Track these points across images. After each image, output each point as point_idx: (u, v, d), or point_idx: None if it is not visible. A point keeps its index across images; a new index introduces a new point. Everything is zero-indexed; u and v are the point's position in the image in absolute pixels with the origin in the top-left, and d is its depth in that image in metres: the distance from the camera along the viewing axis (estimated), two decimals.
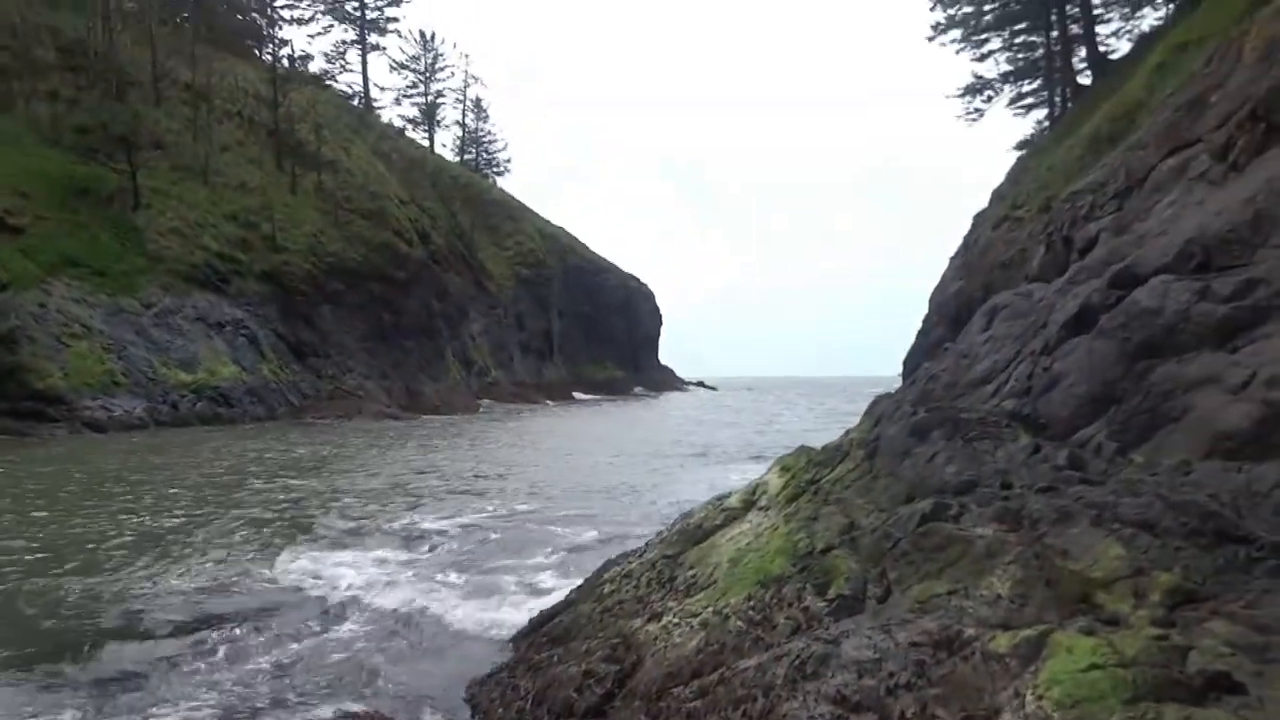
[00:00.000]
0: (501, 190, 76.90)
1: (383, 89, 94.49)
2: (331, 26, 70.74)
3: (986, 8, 34.21)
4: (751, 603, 4.68)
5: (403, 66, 78.23)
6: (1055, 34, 33.27)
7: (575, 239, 79.41)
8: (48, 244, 29.28)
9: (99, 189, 33.56)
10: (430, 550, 9.80)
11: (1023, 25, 34.81)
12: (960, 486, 4.82)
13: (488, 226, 65.74)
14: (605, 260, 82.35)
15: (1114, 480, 4.44)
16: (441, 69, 79.81)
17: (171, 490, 13.88)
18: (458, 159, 79.83)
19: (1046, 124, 34.66)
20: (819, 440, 7.45)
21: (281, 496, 13.48)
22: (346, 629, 6.85)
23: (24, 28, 36.93)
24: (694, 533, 6.23)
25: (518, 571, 8.64)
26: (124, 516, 11.40)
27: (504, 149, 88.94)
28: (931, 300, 24.94)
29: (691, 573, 5.55)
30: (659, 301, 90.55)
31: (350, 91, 70.66)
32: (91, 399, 25.84)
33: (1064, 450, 4.92)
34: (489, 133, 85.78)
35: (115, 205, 33.80)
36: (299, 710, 5.22)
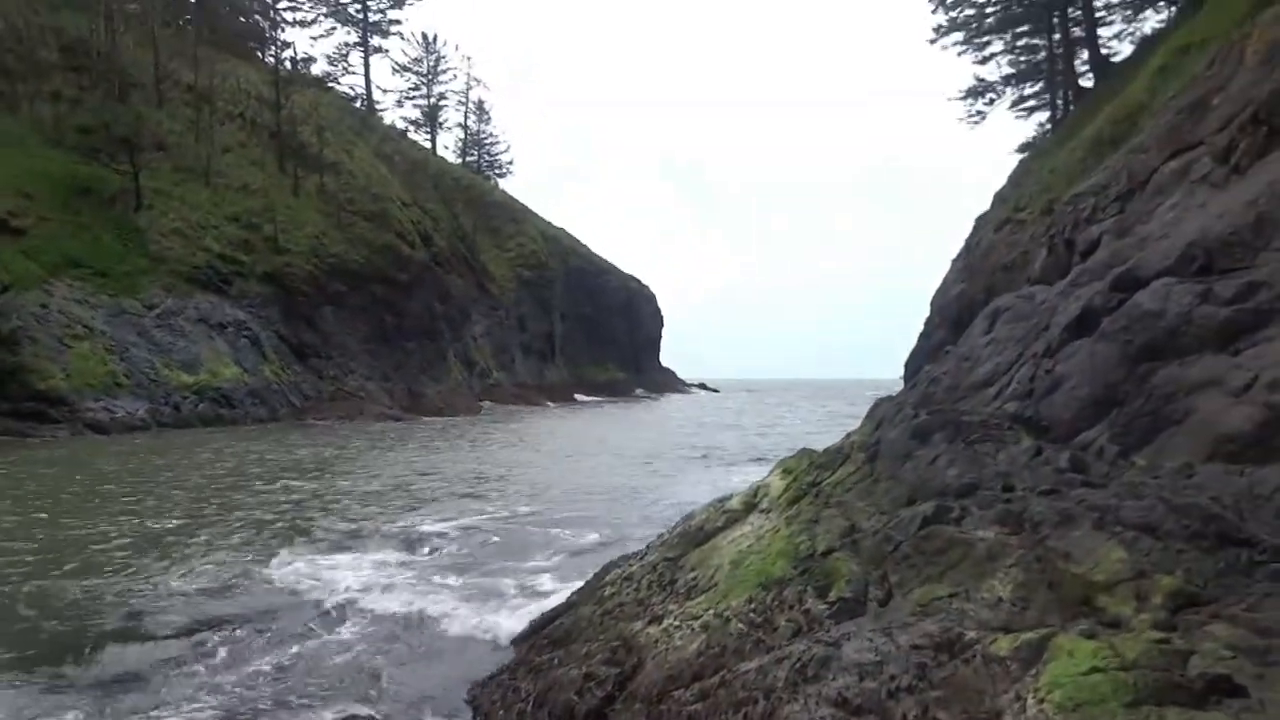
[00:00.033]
0: (503, 192, 76.95)
1: (385, 91, 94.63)
2: (334, 29, 70.85)
3: (988, 11, 34.24)
4: (752, 605, 4.68)
5: (405, 69, 78.37)
6: (1057, 37, 33.31)
7: (577, 240, 79.43)
8: (50, 245, 29.32)
9: (101, 190, 33.61)
10: (431, 553, 9.79)
11: (1025, 28, 34.86)
12: (962, 489, 4.82)
13: (490, 228, 65.75)
14: (607, 262, 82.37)
15: (1116, 483, 4.43)
16: (443, 71, 79.91)
17: (173, 492, 13.89)
18: (460, 161, 79.90)
19: (1048, 126, 34.70)
20: (820, 443, 7.45)
21: (282, 498, 13.49)
22: (347, 631, 6.84)
23: (27, 29, 37.01)
24: (695, 535, 6.22)
25: (518, 574, 8.63)
26: (125, 518, 11.41)
27: (506, 151, 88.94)
28: (933, 302, 24.95)
29: (692, 575, 5.55)
30: (659, 302, 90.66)
31: (352, 94, 70.78)
32: (93, 400, 25.85)
33: (1066, 453, 4.92)
34: (491, 135, 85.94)
35: (117, 206, 33.85)
36: (301, 712, 5.22)
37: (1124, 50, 30.91)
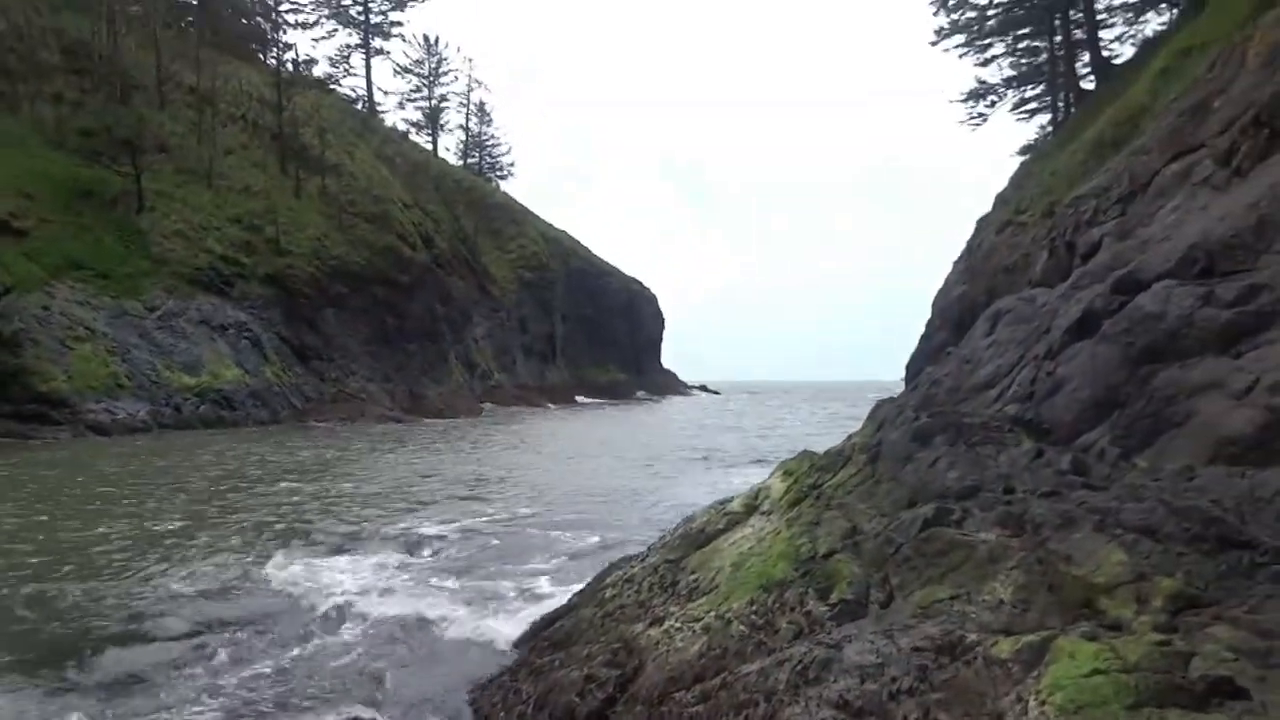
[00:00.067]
0: (505, 194, 77.00)
1: (386, 93, 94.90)
2: (335, 31, 70.90)
3: (989, 13, 34.22)
4: (754, 607, 4.68)
5: (406, 71, 78.40)
6: (1059, 39, 33.28)
7: (578, 242, 79.47)
8: (52, 247, 29.35)
9: (103, 192, 33.65)
10: (432, 555, 9.80)
11: (1026, 30, 34.82)
12: (963, 491, 4.82)
13: (491, 230, 65.79)
14: (608, 263, 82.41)
15: (1117, 485, 4.43)
16: (445, 73, 79.94)
17: (174, 494, 13.90)
18: (461, 163, 79.95)
19: (1050, 129, 34.68)
20: (821, 445, 7.45)
21: (283, 500, 13.49)
22: (347, 634, 6.85)
23: (29, 30, 37.06)
24: (696, 537, 6.23)
25: (518, 577, 8.63)
26: (126, 520, 11.41)
27: (507, 153, 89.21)
28: (934, 304, 24.92)
29: (693, 577, 5.55)
30: (660, 303, 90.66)
31: (354, 95, 70.83)
32: (95, 402, 25.88)
33: (1067, 455, 4.92)
34: (492, 136, 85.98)
35: (119, 208, 33.88)
36: (303, 715, 5.23)
37: (1125, 52, 30.90)
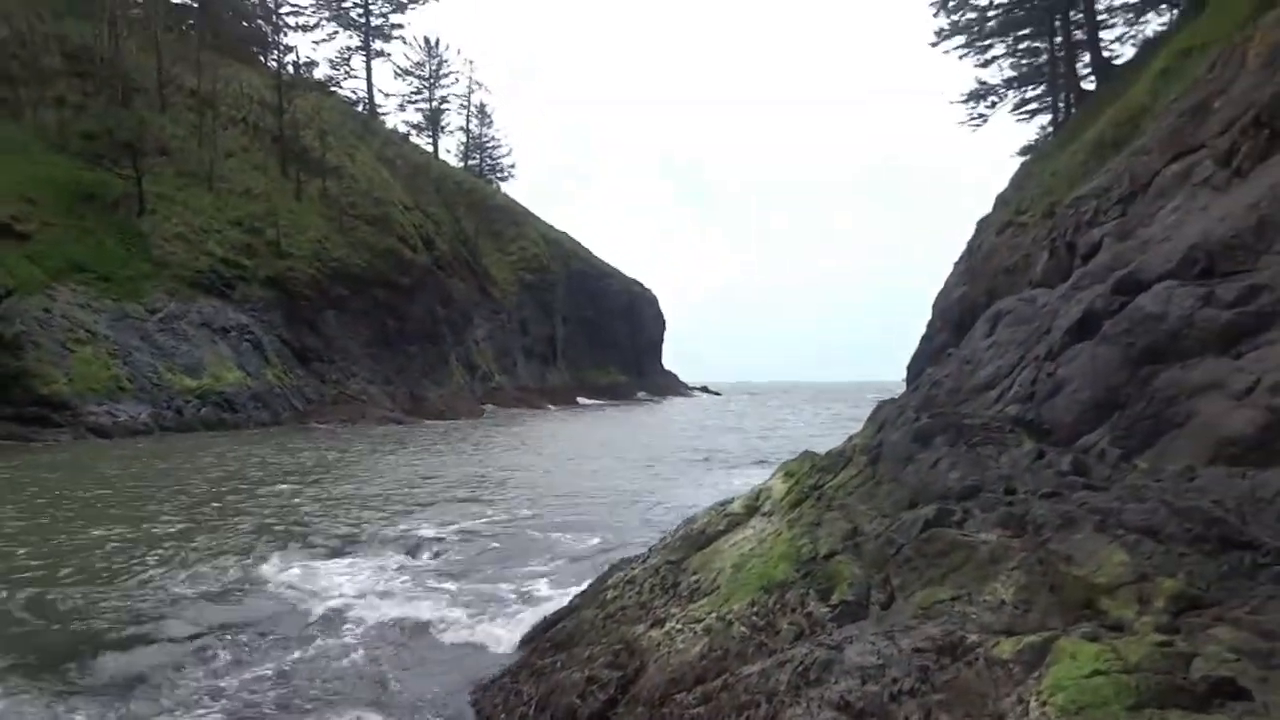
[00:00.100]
0: (505, 195, 77.04)
1: (387, 95, 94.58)
2: (336, 33, 70.98)
3: (990, 14, 34.24)
4: (755, 608, 4.68)
5: (407, 73, 78.48)
6: (1059, 40, 33.30)
7: (579, 244, 79.50)
8: (53, 249, 29.39)
9: (105, 195, 33.69)
10: (432, 557, 9.79)
11: (1026, 31, 34.85)
12: (964, 492, 4.82)
13: (491, 232, 65.82)
14: (608, 265, 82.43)
15: (1118, 486, 4.43)
16: (445, 75, 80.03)
17: (174, 496, 13.90)
18: (462, 165, 80.00)
19: (1050, 129, 34.69)
20: (822, 446, 7.45)
21: (283, 502, 13.50)
22: (347, 636, 6.85)
23: (31, 35, 37.13)
24: (697, 538, 6.23)
25: (518, 579, 8.62)
26: (127, 522, 11.42)
27: (508, 154, 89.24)
28: (935, 305, 24.93)
29: (695, 578, 5.55)
30: (660, 303, 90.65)
31: (355, 98, 70.88)
32: (96, 404, 25.90)
33: (1068, 456, 4.92)
34: (493, 138, 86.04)
35: (121, 211, 33.92)
36: (306, 717, 5.24)
37: (1126, 53, 30.93)
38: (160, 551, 9.60)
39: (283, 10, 64.01)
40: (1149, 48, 25.84)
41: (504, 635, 6.67)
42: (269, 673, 5.95)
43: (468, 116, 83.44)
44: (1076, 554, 3.81)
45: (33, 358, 25.30)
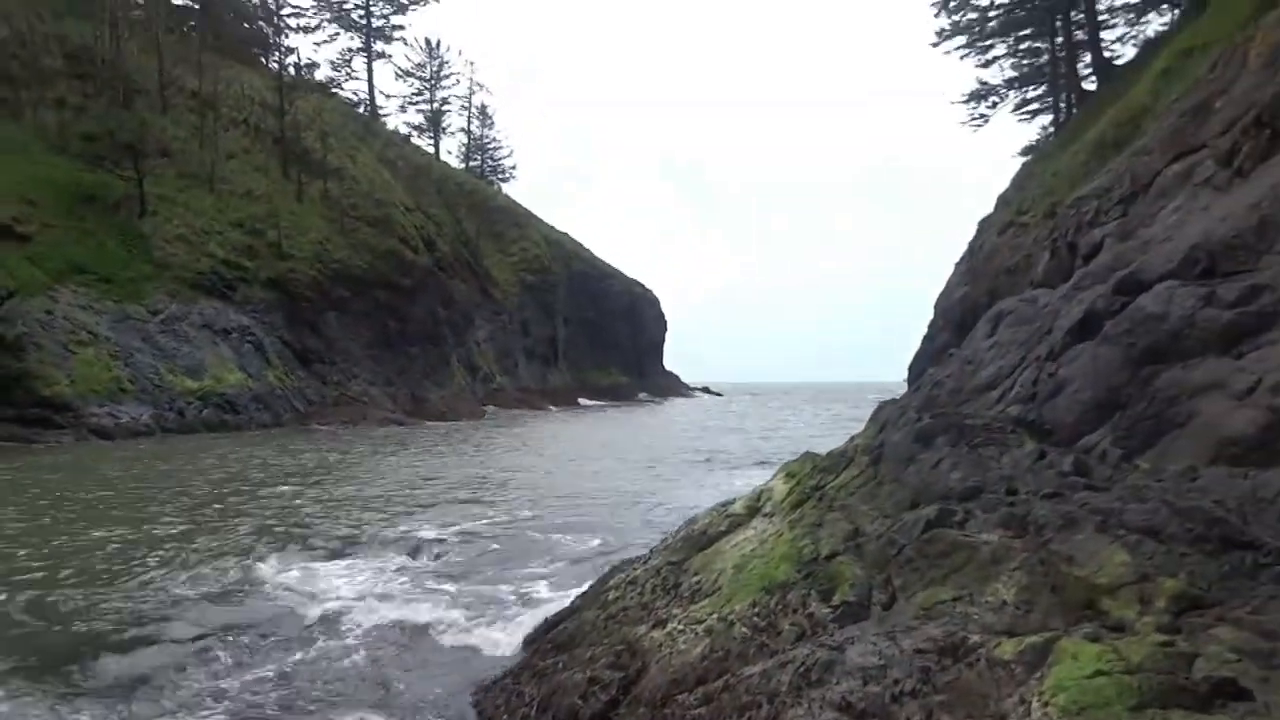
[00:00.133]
0: (506, 197, 77.07)
1: (388, 96, 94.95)
2: (337, 34, 71.04)
3: (991, 14, 34.23)
4: (756, 609, 4.68)
5: (408, 74, 78.53)
6: (1060, 40, 33.30)
7: (580, 244, 79.51)
8: (55, 251, 29.40)
9: (106, 196, 33.70)
10: (434, 559, 9.79)
11: (1027, 31, 34.85)
12: (965, 493, 4.82)
13: (493, 233, 65.86)
14: (610, 266, 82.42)
15: (1119, 486, 4.43)
16: (446, 76, 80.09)
17: (176, 497, 13.91)
18: (463, 166, 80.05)
19: (1051, 129, 34.69)
20: (824, 446, 7.45)
21: (284, 504, 13.50)
22: (348, 638, 6.85)
23: (32, 37, 37.15)
24: (698, 539, 6.23)
25: (519, 581, 8.62)
26: (128, 523, 11.42)
27: (509, 155, 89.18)
28: (936, 305, 24.92)
29: (696, 579, 5.55)
30: (661, 304, 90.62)
31: (356, 99, 70.94)
32: (98, 406, 25.91)
33: (1069, 456, 4.92)
34: (494, 139, 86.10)
35: (122, 212, 33.94)
36: (309, 718, 5.24)
37: (1127, 53, 30.92)
38: (161, 553, 9.61)
39: (284, 12, 64.15)
40: (1150, 48, 25.83)
41: (505, 637, 6.68)
42: (270, 674, 5.96)
43: (469, 118, 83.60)
44: (1078, 554, 3.80)
45: (34, 359, 25.32)
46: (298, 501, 13.71)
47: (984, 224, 25.37)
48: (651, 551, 6.77)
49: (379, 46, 73.00)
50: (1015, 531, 4.18)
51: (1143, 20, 31.05)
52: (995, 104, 37.53)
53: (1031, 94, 37.13)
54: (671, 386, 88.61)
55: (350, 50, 71.72)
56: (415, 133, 77.05)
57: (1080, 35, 32.14)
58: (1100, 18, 31.02)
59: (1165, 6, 29.70)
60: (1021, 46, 35.77)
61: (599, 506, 13.63)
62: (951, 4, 34.48)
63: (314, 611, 7.48)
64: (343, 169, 48.08)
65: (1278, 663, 2.97)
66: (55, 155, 34.11)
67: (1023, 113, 37.87)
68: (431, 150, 75.44)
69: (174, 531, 10.91)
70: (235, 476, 16.96)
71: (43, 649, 6.40)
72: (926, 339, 24.60)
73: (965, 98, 37.54)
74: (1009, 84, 36.92)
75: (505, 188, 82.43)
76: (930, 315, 25.33)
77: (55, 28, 38.72)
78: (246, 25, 62.29)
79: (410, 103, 79.58)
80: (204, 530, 11.00)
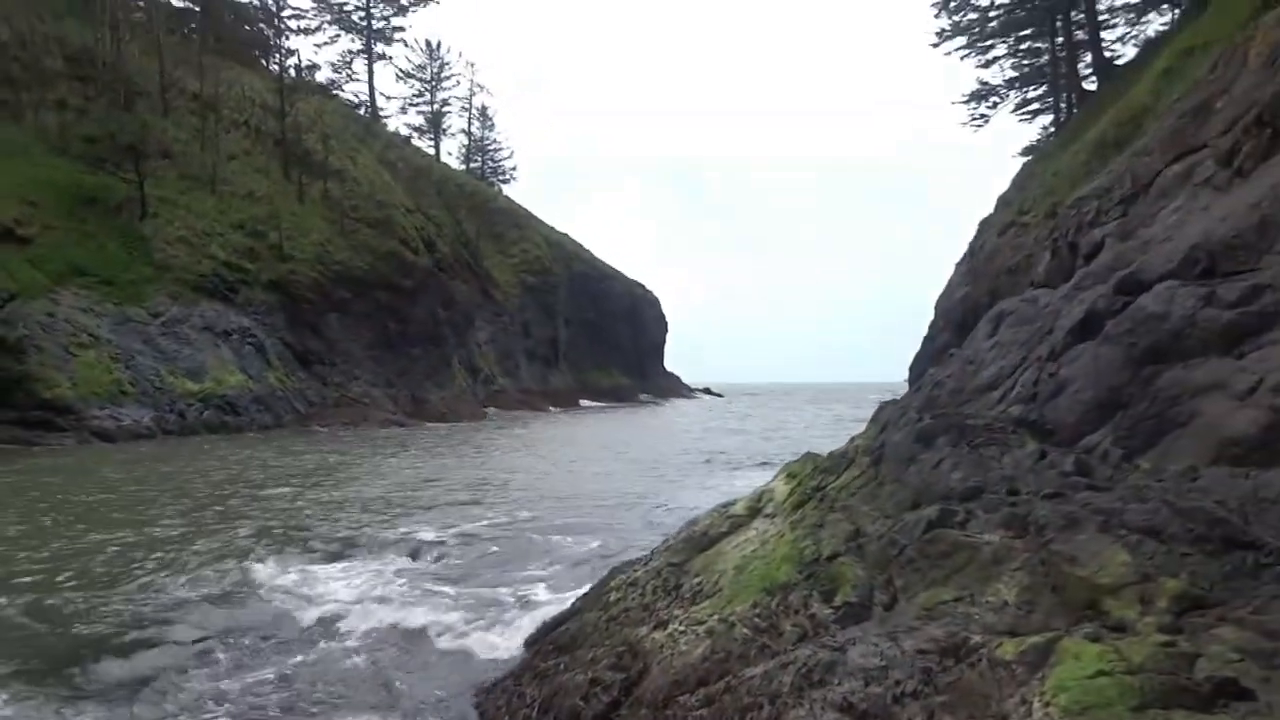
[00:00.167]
0: (507, 198, 77.09)
1: (389, 98, 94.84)
2: (338, 36, 71.17)
3: (991, 15, 34.25)
4: (757, 610, 4.68)
5: (409, 75, 78.63)
6: (1060, 40, 33.31)
7: (581, 246, 79.50)
8: (55, 253, 29.42)
9: (107, 198, 33.73)
10: (435, 560, 9.79)
11: (1028, 32, 34.88)
12: (966, 493, 4.81)
13: (493, 234, 65.87)
14: (611, 267, 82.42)
15: (1121, 486, 4.42)
16: (447, 78, 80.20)
17: (176, 499, 13.91)
18: (463, 167, 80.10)
19: (1052, 129, 34.69)
20: (825, 447, 7.44)
21: (284, 505, 13.50)
22: (348, 640, 6.85)
23: (32, 38, 37.18)
24: (700, 540, 6.22)
25: (519, 583, 8.61)
26: (129, 526, 11.43)
27: (510, 157, 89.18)
28: (937, 306, 24.94)
29: (697, 580, 5.54)
30: (662, 305, 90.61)
31: (356, 101, 71.04)
32: (99, 408, 25.92)
33: (1070, 456, 4.91)
34: (494, 141, 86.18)
35: (123, 214, 33.96)
36: None
37: (1127, 53, 30.96)
38: (162, 555, 9.61)
39: (284, 14, 64.26)
40: (1150, 48, 25.85)
41: (506, 639, 6.67)
42: (271, 676, 5.96)
43: (469, 119, 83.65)
44: (1079, 554, 3.80)
45: (36, 362, 25.33)
46: (298, 503, 13.72)
47: (985, 224, 25.39)
48: (653, 553, 6.76)
49: (379, 48, 73.19)
50: (1016, 532, 4.18)
51: (1143, 20, 31.11)
52: (996, 104, 37.57)
53: (1032, 94, 37.18)
54: (673, 387, 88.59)
55: (351, 52, 71.91)
56: (416, 134, 77.24)
57: (1081, 35, 32.16)
58: (1100, 17, 31.05)
59: (1165, 6, 29.72)
60: (1022, 46, 35.80)
61: (600, 508, 13.63)
62: (952, 4, 34.51)
63: (314, 614, 7.48)
64: (343, 170, 48.11)
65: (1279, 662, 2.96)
66: (56, 157, 34.13)
67: (1023, 113, 37.92)
68: (432, 152, 75.52)
69: (174, 534, 10.91)
70: (236, 478, 16.96)
71: (44, 652, 6.40)
72: (927, 339, 24.61)
73: (966, 98, 37.60)
74: (1009, 84, 36.96)
75: (506, 189, 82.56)
76: (930, 315, 25.35)
77: (56, 29, 38.75)
78: (247, 27, 62.37)
79: (411, 104, 79.77)
80: (204, 532, 11.00)
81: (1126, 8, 31.09)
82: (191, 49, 46.44)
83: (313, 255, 40.08)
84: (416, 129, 78.43)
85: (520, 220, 71.77)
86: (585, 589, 7.08)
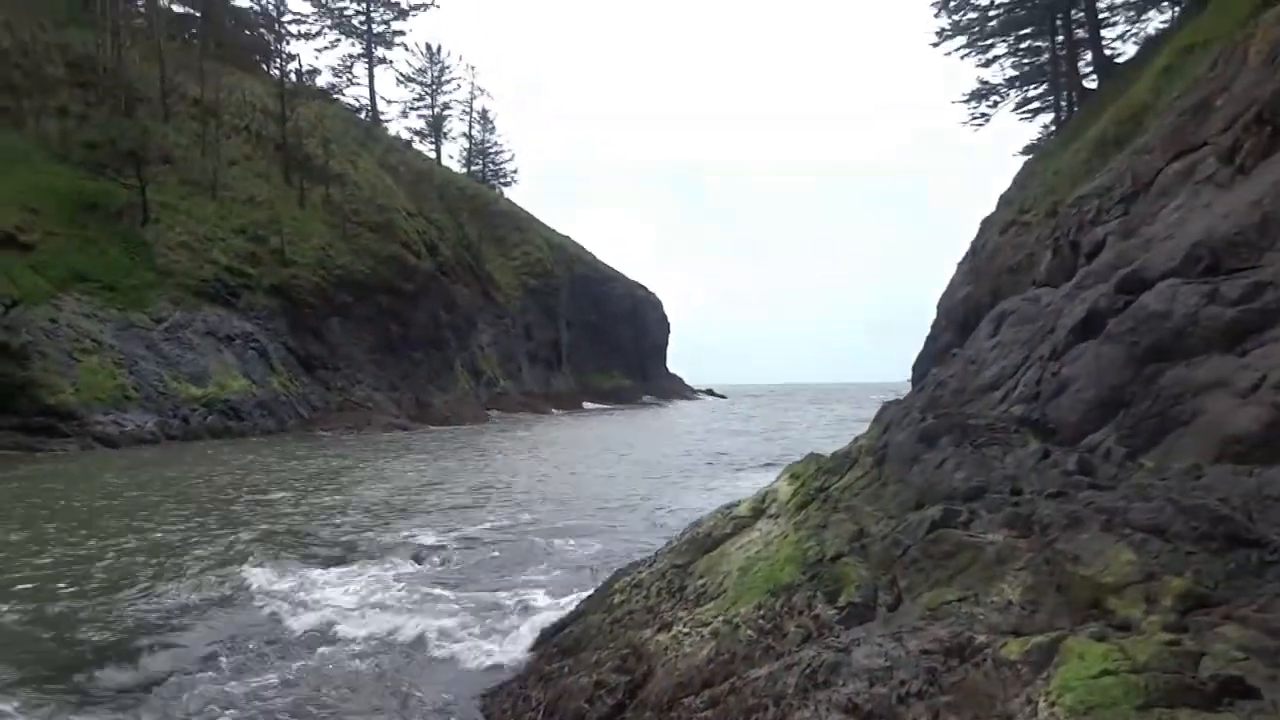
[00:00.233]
0: (508, 201, 77.13)
1: (389, 102, 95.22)
2: (338, 41, 71.34)
3: (991, 14, 34.24)
4: (762, 611, 4.68)
5: (409, 79, 78.74)
6: (1060, 38, 33.29)
7: (582, 248, 79.51)
8: (58, 259, 29.48)
9: (108, 204, 33.79)
10: (440, 564, 9.79)
11: (1028, 30, 34.85)
12: (969, 493, 4.81)
13: (495, 237, 65.91)
14: (612, 269, 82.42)
15: (1124, 485, 4.42)
16: (448, 81, 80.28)
17: (179, 505, 13.93)
18: (464, 170, 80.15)
19: (1053, 128, 34.67)
20: (828, 447, 7.44)
21: (287, 510, 13.51)
22: (352, 644, 6.84)
23: (34, 46, 37.27)
24: (703, 541, 6.22)
25: (521, 586, 8.59)
26: (132, 532, 11.44)
27: (510, 160, 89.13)
28: (939, 306, 24.91)
29: (701, 582, 5.54)
30: (664, 308, 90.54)
31: (357, 105, 71.15)
32: (103, 414, 25.95)
33: (1073, 455, 4.91)
34: (495, 144, 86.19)
35: (125, 220, 34.03)
36: None
37: (1128, 51, 30.92)
38: (165, 561, 9.62)
39: (285, 18, 64.37)
40: (1151, 45, 25.83)
41: (511, 643, 6.66)
42: (275, 681, 5.96)
43: (470, 122, 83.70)
44: (1083, 554, 3.80)
45: (39, 368, 25.37)
46: (301, 508, 13.73)
47: (986, 223, 25.36)
48: (656, 554, 6.77)
49: (380, 52, 73.31)
50: (1020, 531, 4.18)
51: (1143, 18, 31.07)
52: (996, 103, 37.54)
53: (1032, 93, 37.14)
54: (675, 389, 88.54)
55: (351, 56, 72.01)
56: (417, 138, 77.34)
57: (1081, 33, 32.13)
58: (1101, 16, 31.01)
59: (1166, 4, 29.70)
60: (1022, 45, 35.78)
61: (603, 510, 13.63)
62: (951, 4, 34.51)
63: (316, 618, 7.47)
64: (344, 175, 48.18)
65: None
66: (58, 164, 34.21)
67: (1024, 111, 37.89)
68: (433, 155, 75.60)
69: (177, 539, 10.92)
70: (238, 483, 16.98)
71: (50, 658, 6.41)
72: (929, 339, 24.58)
73: (966, 97, 37.58)
74: (1010, 83, 36.93)
75: (507, 192, 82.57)
76: (932, 315, 25.33)
77: (57, 36, 38.85)
78: (248, 32, 62.49)
79: (411, 108, 79.93)
80: (207, 538, 11.01)
81: (1126, 5, 31.06)
82: (192, 54, 46.52)
83: (314, 260, 40.13)
84: (417, 133, 78.63)
85: (522, 223, 71.81)
86: (588, 592, 7.08)
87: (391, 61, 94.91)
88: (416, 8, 71.72)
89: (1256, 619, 3.20)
